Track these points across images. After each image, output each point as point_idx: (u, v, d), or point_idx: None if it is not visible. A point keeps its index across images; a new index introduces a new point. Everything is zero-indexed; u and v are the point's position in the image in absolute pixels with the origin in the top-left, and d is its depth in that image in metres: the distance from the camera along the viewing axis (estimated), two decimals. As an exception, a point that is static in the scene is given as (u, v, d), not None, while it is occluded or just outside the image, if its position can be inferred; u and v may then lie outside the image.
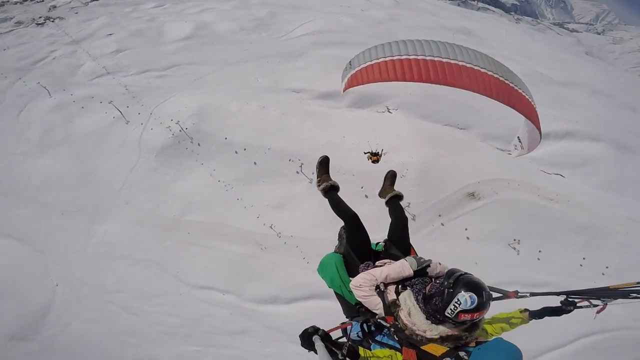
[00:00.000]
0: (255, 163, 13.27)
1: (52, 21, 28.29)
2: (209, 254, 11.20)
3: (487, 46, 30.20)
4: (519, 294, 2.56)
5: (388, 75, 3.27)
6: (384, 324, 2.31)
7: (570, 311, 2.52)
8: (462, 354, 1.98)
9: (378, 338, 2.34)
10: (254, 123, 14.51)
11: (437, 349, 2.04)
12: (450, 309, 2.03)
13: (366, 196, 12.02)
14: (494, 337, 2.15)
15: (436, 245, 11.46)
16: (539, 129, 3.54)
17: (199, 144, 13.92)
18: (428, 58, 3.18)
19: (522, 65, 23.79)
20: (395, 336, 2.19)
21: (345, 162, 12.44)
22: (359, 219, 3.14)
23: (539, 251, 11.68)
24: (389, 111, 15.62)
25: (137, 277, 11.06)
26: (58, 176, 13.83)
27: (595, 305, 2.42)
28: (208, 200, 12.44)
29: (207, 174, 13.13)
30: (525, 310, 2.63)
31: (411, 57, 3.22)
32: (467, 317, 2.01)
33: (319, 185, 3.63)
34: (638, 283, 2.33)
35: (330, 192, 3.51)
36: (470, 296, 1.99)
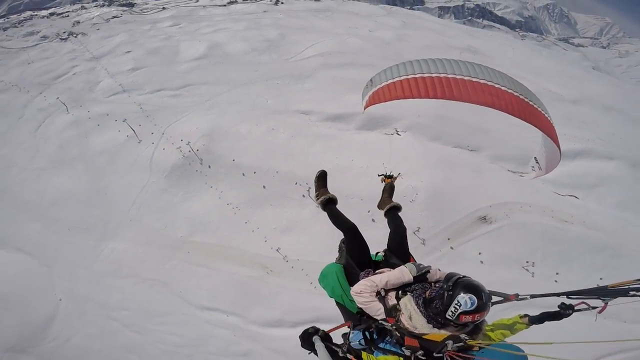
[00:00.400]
0: (264, 187, 13.37)
1: (75, 37, 29.73)
2: (214, 275, 11.21)
3: (495, 64, 30.34)
4: (520, 297, 2.59)
5: (411, 92, 3.29)
6: (386, 324, 2.29)
7: (569, 315, 2.52)
8: (463, 336, 1.98)
9: (381, 345, 2.32)
10: (263, 145, 14.69)
11: (438, 336, 2.04)
12: (451, 311, 2.03)
13: (373, 220, 11.90)
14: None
15: (448, 269, 11.22)
16: (558, 147, 3.54)
17: (209, 166, 14.12)
18: (450, 76, 3.22)
19: (531, 83, 23.65)
20: (397, 332, 2.18)
21: (353, 187, 12.42)
22: (357, 229, 3.21)
23: (557, 273, 11.30)
24: (397, 133, 15.67)
25: (142, 295, 11.10)
26: (70, 193, 14.21)
27: (594, 307, 2.39)
28: (216, 222, 12.49)
29: (216, 196, 13.25)
30: (525, 315, 2.62)
31: (433, 74, 3.27)
32: (469, 318, 2.01)
33: (317, 199, 3.70)
34: (637, 280, 2.31)
35: (329, 205, 3.58)
36: (470, 297, 2.00)
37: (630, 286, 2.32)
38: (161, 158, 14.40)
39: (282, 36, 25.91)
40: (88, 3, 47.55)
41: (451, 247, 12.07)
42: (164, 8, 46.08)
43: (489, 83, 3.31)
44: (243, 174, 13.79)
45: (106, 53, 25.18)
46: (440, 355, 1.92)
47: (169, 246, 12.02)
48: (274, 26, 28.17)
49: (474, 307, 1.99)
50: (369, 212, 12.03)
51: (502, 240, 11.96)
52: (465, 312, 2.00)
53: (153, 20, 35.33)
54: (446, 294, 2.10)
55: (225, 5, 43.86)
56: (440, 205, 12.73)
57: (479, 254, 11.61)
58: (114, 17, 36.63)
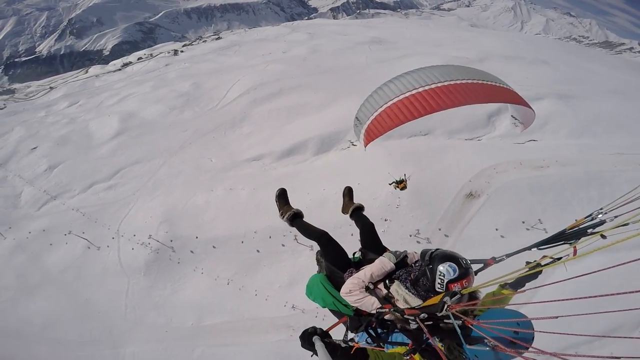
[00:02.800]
0: (258, 251, 12.31)
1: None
2: (246, 350, 10.65)
3: (401, 48, 32.54)
4: (497, 259, 2.65)
5: (404, 116, 3.36)
6: (384, 311, 2.30)
7: (539, 272, 2.53)
8: (457, 288, 2.03)
9: (389, 339, 2.32)
10: (227, 210, 13.26)
11: (435, 299, 2.06)
12: (439, 284, 2.09)
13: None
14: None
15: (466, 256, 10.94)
16: (530, 107, 3.85)
17: (190, 251, 12.69)
18: (427, 87, 3.33)
19: (438, 56, 25.68)
20: (397, 313, 2.18)
21: (337, 215, 11.53)
22: (329, 235, 3.24)
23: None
24: (353, 144, 15.29)
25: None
26: (56, 314, 12.64)
27: (558, 259, 2.37)
28: (218, 301, 11.68)
29: (205, 276, 12.16)
30: (505, 284, 2.63)
31: (413, 91, 3.34)
32: (458, 286, 2.05)
33: (282, 217, 3.69)
34: (587, 216, 2.40)
35: (295, 219, 3.59)
36: (449, 265, 2.07)
37: (586, 224, 2.39)
38: (130, 258, 13.09)
39: (197, 86, 24.32)
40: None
41: (448, 235, 11.86)
42: (51, 88, 40.97)
43: (465, 81, 3.44)
44: (214, 247, 12.57)
45: (10, 155, 20.88)
46: (446, 314, 1.89)
47: (185, 337, 11.35)
48: (184, 77, 26.41)
49: (456, 274, 2.05)
50: (351, 235, 11.34)
51: (498, 209, 12.04)
52: (451, 281, 2.05)
53: (45, 104, 30.95)
54: (427, 270, 2.16)
55: (120, 69, 40.46)
56: (426, 200, 12.49)
57: (496, 229, 11.45)
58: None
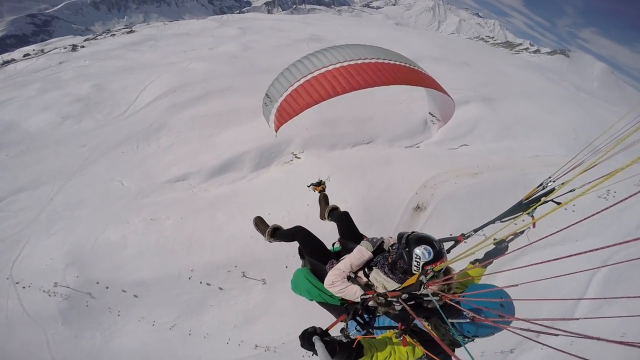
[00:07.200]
0: (201, 290, 10.64)
1: None
2: None
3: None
4: (466, 235, 2.84)
5: (326, 92, 3.00)
6: (367, 297, 2.37)
7: (505, 247, 2.78)
8: (429, 267, 2.12)
9: (376, 324, 2.42)
10: (152, 247, 10.93)
11: (412, 279, 2.13)
12: (415, 266, 2.23)
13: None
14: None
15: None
16: (450, 96, 3.69)
17: (115, 296, 10.51)
18: (345, 64, 3.10)
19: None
20: (380, 297, 2.23)
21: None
22: (304, 228, 3.37)
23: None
24: (297, 157, 13.88)
25: None
26: None
27: (521, 232, 2.55)
28: (165, 348, 10.15)
29: (142, 322, 10.30)
30: (475, 261, 2.76)
31: (337, 65, 3.09)
32: (432, 267, 2.12)
33: (266, 238, 3.82)
34: (539, 186, 2.63)
35: (275, 233, 3.77)
36: (425, 248, 2.21)
37: (539, 193, 2.62)
38: (37, 307, 10.63)
39: (99, 88, 19.85)
40: None
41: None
42: None
43: (392, 62, 3.31)
44: (143, 290, 10.55)
45: None
46: (425, 292, 1.96)
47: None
48: (82, 77, 21.39)
49: (431, 256, 2.19)
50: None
51: (443, 219, 12.09)
52: (427, 263, 2.18)
53: None
54: (404, 253, 2.30)
55: (-5, 67, 31.67)
56: (377, 216, 11.87)
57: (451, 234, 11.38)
58: None
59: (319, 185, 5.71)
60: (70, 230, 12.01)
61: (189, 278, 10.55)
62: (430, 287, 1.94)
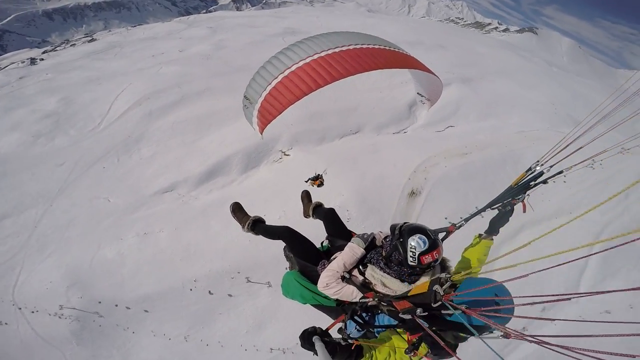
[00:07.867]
0: (207, 300, 10.50)
1: None
2: None
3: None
4: (457, 224, 2.74)
5: (307, 86, 2.83)
6: (367, 301, 2.29)
7: (510, 210, 2.71)
8: (443, 275, 1.96)
9: (376, 323, 2.33)
10: (149, 261, 10.69)
11: (422, 286, 2.03)
12: (411, 257, 2.14)
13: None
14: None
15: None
16: (436, 75, 3.61)
17: (123, 313, 10.34)
18: (323, 54, 2.97)
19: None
20: (383, 302, 2.18)
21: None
22: (291, 229, 3.19)
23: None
24: (285, 154, 13.61)
25: None
26: None
27: (526, 196, 2.62)
28: None
29: (156, 337, 10.19)
30: (480, 235, 2.70)
31: (314, 56, 2.93)
32: (429, 258, 2.10)
33: (243, 229, 3.54)
34: (527, 170, 2.63)
35: (256, 226, 3.46)
36: (419, 238, 2.12)
37: (526, 178, 2.63)
38: (50, 330, 10.53)
39: (68, 101, 18.74)
40: None
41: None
42: None
43: (370, 46, 3.21)
44: (150, 305, 10.42)
45: None
46: (439, 303, 1.81)
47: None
48: (48, 91, 20.11)
49: (427, 246, 2.10)
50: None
51: (440, 202, 12.19)
52: (423, 253, 2.10)
53: None
54: (398, 244, 2.19)
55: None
56: (374, 207, 11.85)
57: (445, 218, 11.49)
58: None
59: (317, 179, 5.64)
60: (64, 252, 11.66)
61: (191, 289, 10.34)
62: (447, 299, 1.75)
